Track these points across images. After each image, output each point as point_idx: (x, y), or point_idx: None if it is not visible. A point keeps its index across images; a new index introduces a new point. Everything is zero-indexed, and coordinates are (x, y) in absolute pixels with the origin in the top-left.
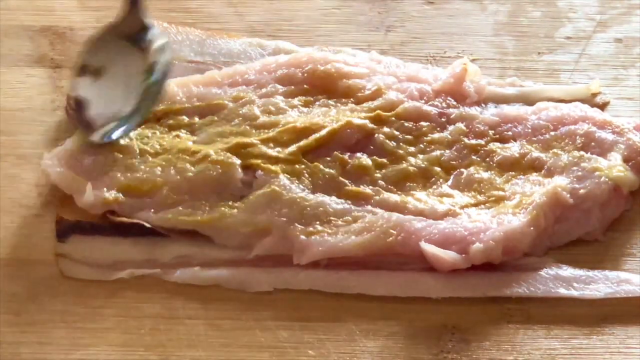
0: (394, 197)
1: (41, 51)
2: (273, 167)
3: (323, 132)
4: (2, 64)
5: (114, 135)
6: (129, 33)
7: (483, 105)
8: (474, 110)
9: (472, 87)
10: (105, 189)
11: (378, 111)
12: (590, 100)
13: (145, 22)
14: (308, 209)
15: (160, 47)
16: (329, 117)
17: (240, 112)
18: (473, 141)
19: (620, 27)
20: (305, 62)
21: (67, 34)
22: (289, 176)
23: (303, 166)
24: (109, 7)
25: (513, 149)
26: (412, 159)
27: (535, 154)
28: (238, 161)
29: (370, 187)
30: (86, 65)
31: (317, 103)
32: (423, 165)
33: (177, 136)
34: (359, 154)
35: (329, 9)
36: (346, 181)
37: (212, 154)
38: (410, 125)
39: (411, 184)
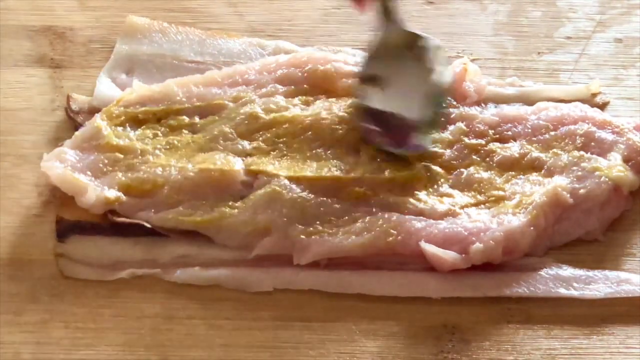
0: (395, 197)
1: (41, 51)
2: (274, 168)
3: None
4: (2, 64)
5: (425, 144)
6: (399, 44)
7: (483, 105)
8: (474, 110)
9: (472, 87)
10: (106, 189)
11: None
12: (590, 100)
13: (410, 32)
14: (308, 209)
15: (434, 52)
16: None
17: (241, 111)
18: (473, 141)
19: (620, 27)
20: (305, 62)
21: (67, 34)
22: (290, 174)
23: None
24: (108, 7)
25: (513, 149)
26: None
27: (535, 154)
28: (242, 167)
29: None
30: (369, 75)
31: (318, 102)
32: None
33: (179, 136)
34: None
35: (329, 9)
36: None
37: (216, 160)
38: None
39: (412, 184)
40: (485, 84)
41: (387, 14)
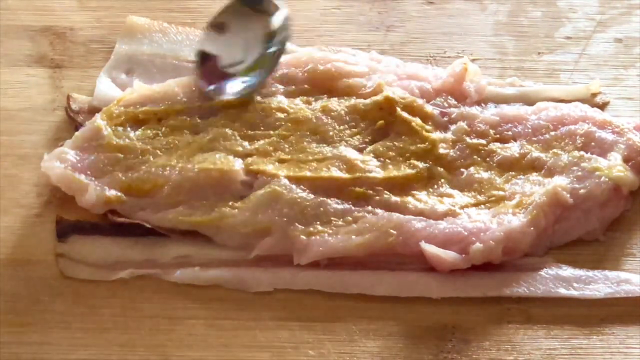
0: (395, 197)
1: (41, 51)
2: (274, 168)
3: None
4: (2, 64)
5: (233, 90)
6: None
7: (483, 105)
8: (474, 110)
9: (473, 87)
10: (106, 189)
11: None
12: (590, 100)
13: None
14: (308, 209)
15: (279, 16)
16: None
17: (242, 112)
18: (475, 140)
19: (620, 27)
20: (305, 62)
21: (67, 34)
22: (290, 174)
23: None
24: (109, 7)
25: (513, 149)
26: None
27: (535, 154)
28: (241, 167)
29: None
30: (213, 22)
31: (319, 102)
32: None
33: (179, 136)
34: None
35: (329, 9)
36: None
37: (216, 160)
38: (414, 125)
39: (412, 184)
40: (485, 84)
41: None
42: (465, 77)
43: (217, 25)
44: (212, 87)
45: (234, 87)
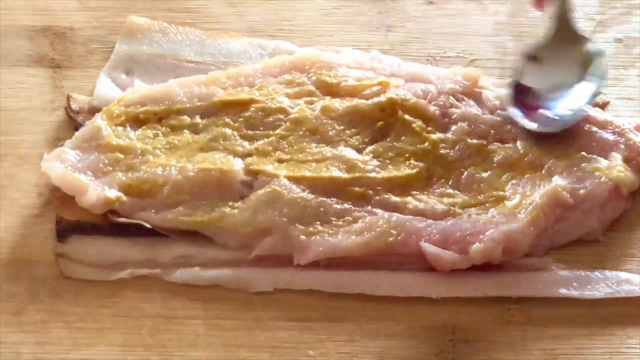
0: (395, 197)
1: (41, 51)
2: (274, 168)
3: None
4: (2, 64)
5: (549, 122)
6: (566, 39)
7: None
8: (475, 110)
9: (491, 94)
10: (106, 189)
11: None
12: None
13: (579, 33)
14: (308, 209)
15: (595, 51)
16: None
17: (243, 112)
18: (475, 141)
19: (620, 27)
20: (311, 65)
21: (67, 34)
22: (289, 174)
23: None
24: (109, 7)
25: (513, 149)
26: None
27: (536, 154)
28: (241, 167)
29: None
30: (528, 54)
31: (320, 102)
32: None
33: (179, 136)
34: None
35: (329, 9)
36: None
37: (216, 160)
38: (415, 127)
39: (412, 184)
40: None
41: (564, 12)
42: (479, 80)
43: (533, 57)
44: (527, 118)
45: (549, 119)
